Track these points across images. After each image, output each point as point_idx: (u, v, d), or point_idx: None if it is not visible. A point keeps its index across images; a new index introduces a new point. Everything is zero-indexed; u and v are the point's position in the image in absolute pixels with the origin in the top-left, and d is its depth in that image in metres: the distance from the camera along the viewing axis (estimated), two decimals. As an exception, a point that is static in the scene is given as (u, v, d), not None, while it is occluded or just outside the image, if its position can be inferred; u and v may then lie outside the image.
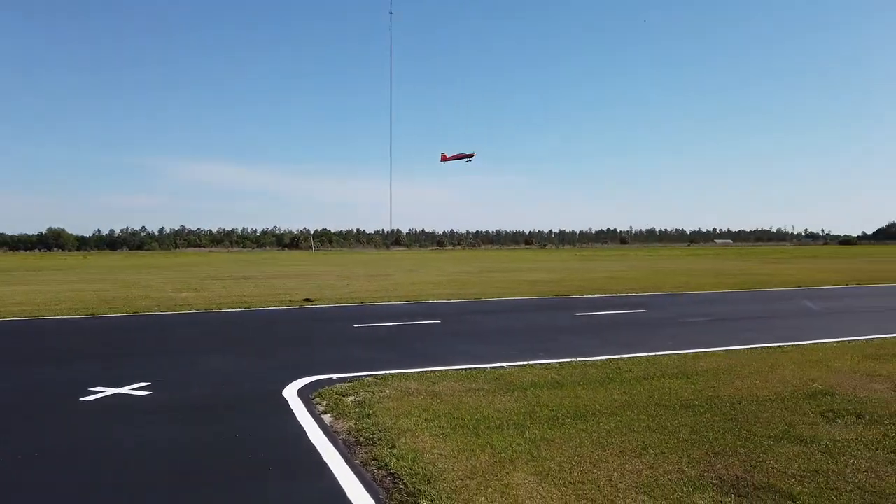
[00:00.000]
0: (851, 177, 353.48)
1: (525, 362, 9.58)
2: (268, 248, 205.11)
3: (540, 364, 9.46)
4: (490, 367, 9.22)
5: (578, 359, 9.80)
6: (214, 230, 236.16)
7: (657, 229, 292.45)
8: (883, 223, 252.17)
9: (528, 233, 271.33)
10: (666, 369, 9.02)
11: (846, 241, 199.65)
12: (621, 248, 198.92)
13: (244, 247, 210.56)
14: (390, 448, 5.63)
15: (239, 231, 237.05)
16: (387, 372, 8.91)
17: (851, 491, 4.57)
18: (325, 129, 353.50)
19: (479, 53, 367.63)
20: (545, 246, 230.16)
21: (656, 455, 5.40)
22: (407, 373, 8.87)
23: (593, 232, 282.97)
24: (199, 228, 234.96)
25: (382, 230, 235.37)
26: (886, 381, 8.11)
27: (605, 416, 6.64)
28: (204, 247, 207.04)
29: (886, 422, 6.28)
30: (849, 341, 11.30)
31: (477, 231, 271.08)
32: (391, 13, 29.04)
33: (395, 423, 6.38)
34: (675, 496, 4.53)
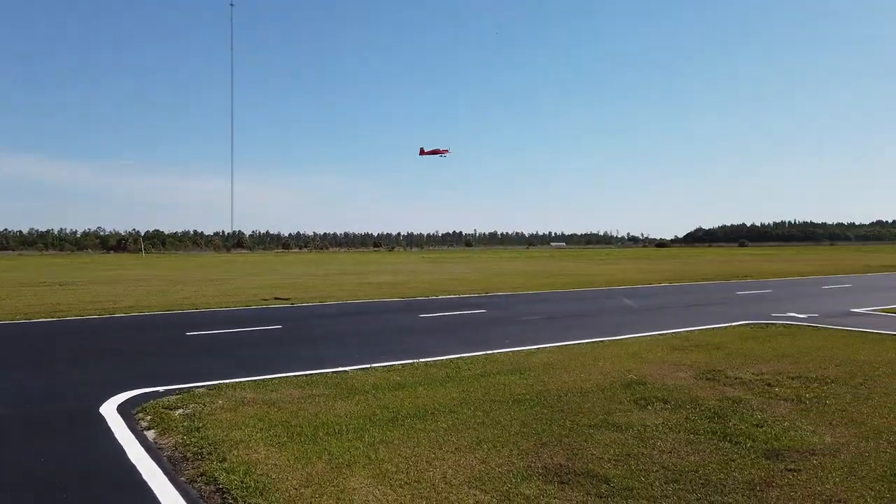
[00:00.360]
0: (667, 186, 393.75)
1: (368, 365, 9.55)
2: (91, 250, 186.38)
3: (383, 366, 9.49)
4: (332, 372, 9.09)
5: (421, 359, 9.96)
6: (25, 231, 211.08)
7: (499, 232, 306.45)
8: (691, 228, 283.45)
9: (376, 235, 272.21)
10: (502, 366, 9.43)
11: (661, 243, 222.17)
12: (466, 250, 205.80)
13: (62, 249, 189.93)
14: (220, 462, 5.34)
15: (55, 232, 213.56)
16: (221, 382, 8.45)
17: (657, 471, 5.06)
18: (164, 124, 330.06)
19: (328, 52, 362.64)
20: (393, 248, 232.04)
21: (489, 449, 5.62)
22: (243, 382, 8.48)
23: (440, 235, 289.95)
24: (5, 229, 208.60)
25: (223, 232, 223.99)
26: (689, 369, 9.09)
27: (443, 414, 6.80)
28: (12, 249, 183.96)
29: (688, 406, 7.03)
30: (660, 335, 12.53)
31: (325, 233, 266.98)
32: (232, 5, 27.86)
33: (226, 436, 6.06)
34: (504, 488, 4.74)
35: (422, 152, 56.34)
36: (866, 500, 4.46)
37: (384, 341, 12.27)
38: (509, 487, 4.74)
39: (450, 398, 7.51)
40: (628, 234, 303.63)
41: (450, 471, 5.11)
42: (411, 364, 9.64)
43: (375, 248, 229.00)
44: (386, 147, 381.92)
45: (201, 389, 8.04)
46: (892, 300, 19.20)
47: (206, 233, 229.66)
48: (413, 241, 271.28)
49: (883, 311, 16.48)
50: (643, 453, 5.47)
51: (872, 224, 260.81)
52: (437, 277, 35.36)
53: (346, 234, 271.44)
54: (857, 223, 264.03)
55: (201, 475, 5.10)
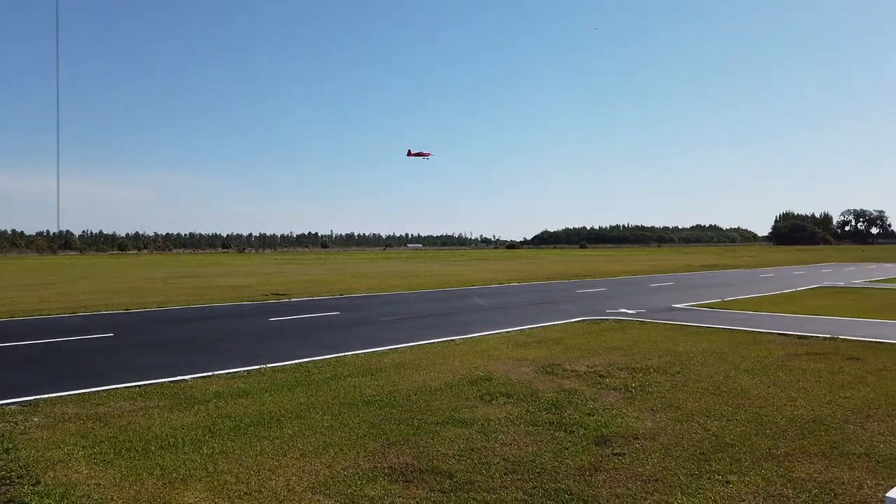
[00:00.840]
0: (517, 192, 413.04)
1: (210, 373, 9.06)
2: None
3: (227, 374, 9.05)
4: (169, 382, 8.51)
5: (268, 365, 9.61)
6: None
7: (356, 234, 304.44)
8: (538, 231, 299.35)
9: (225, 236, 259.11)
10: (353, 368, 9.36)
11: (511, 245, 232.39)
12: (322, 252, 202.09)
13: None
14: (33, 485, 4.81)
15: None
16: (37, 397, 7.61)
17: (498, 463, 5.27)
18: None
19: (169, 48, 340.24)
20: (244, 250, 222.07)
21: (335, 453, 5.55)
22: (64, 396, 7.69)
23: (295, 236, 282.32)
24: None
25: (48, 232, 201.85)
26: (532, 363, 9.58)
27: (290, 420, 6.61)
28: None
29: (529, 399, 7.40)
30: (507, 332, 13.09)
31: (168, 234, 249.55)
32: None
33: (42, 456, 5.47)
34: (349, 491, 4.70)
35: (409, 153, 61.33)
36: (678, 476, 4.94)
37: (230, 347, 11.71)
38: (354, 490, 4.71)
39: (297, 403, 7.32)
40: (481, 236, 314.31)
41: (294, 478, 4.98)
42: (258, 370, 9.28)
43: (225, 250, 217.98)
44: (238, 144, 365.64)
45: (13, 407, 7.20)
46: (707, 296, 21.52)
47: (28, 233, 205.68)
48: (266, 243, 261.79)
49: (699, 306, 18.41)
50: (486, 447, 5.68)
51: (693, 228, 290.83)
52: (290, 279, 34.40)
53: (192, 235, 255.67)
54: (679, 227, 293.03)
55: (9, 502, 4.55)
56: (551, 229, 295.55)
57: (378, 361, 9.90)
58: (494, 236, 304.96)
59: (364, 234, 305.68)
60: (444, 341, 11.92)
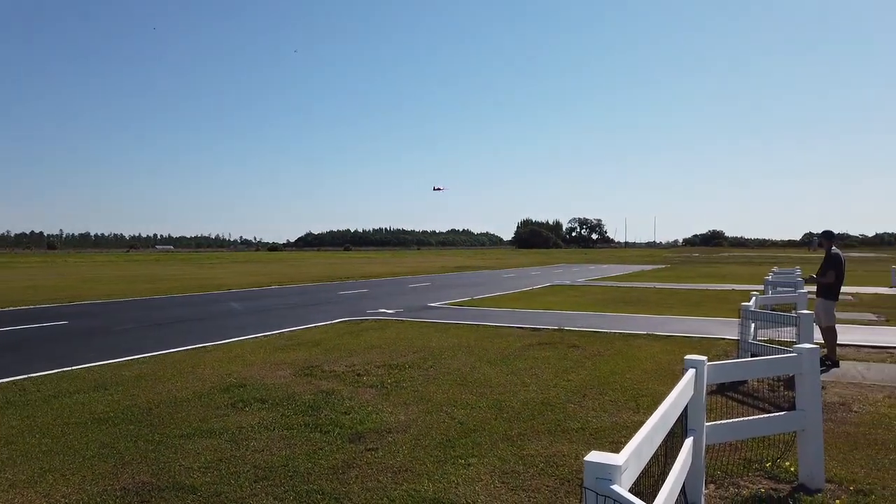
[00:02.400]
0: (280, 192, 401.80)
1: None
2: None
3: None
4: None
5: (-31, 386, 8.08)
6: None
7: (93, 234, 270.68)
8: (302, 233, 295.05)
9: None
10: (83, 383, 8.28)
11: (274, 247, 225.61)
12: (49, 253, 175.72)
13: None
14: None
15: None
16: None
17: (248, 471, 5.05)
18: None
19: None
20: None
21: (55, 480, 4.85)
22: None
23: (13, 235, 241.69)
24: None
25: None
26: (290, 367, 9.37)
27: (-4, 448, 5.62)
28: None
29: (285, 403, 7.22)
30: (265, 336, 12.66)
31: None
32: None
33: None
34: (71, 521, 4.14)
35: (434, 189, 59.04)
36: (426, 464, 5.20)
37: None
38: (77, 519, 4.16)
39: (7, 427, 6.26)
40: (241, 237, 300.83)
41: (-2, 515, 4.24)
42: (-45, 392, 7.75)
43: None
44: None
45: None
46: (459, 295, 23.10)
47: None
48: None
49: (451, 304, 19.67)
50: (236, 456, 5.41)
51: (448, 232, 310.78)
52: (2, 286, 29.39)
53: None
54: (437, 231, 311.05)
55: None
56: (315, 231, 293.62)
57: (114, 374, 8.89)
58: (256, 238, 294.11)
59: (103, 234, 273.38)
60: (194, 349, 11.12)
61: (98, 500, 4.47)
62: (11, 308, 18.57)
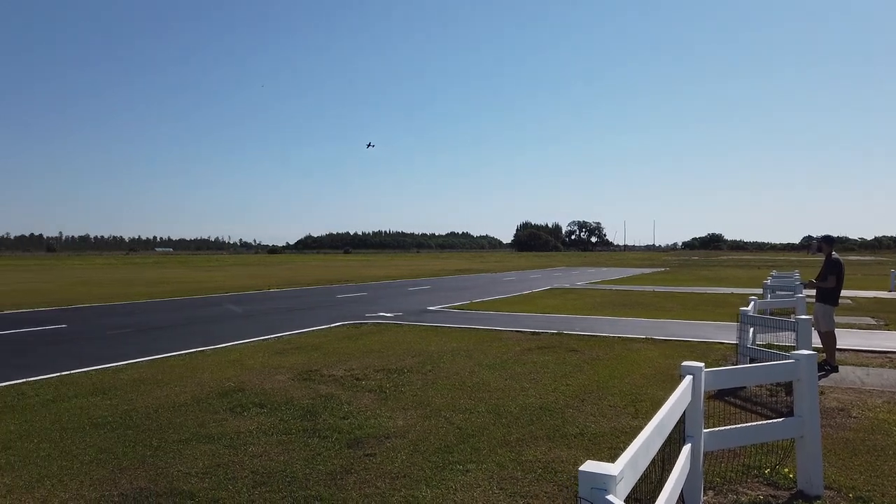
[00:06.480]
0: (278, 194, 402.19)
1: None
2: None
3: None
4: None
5: (-33, 390, 8.07)
6: None
7: (93, 236, 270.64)
8: (302, 235, 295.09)
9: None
10: (81, 388, 8.27)
11: (273, 250, 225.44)
12: (49, 256, 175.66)
13: None
14: None
15: None
16: None
17: (246, 476, 5.04)
18: None
19: None
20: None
21: (53, 485, 4.84)
22: None
23: (12, 238, 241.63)
24: None
25: None
26: (288, 371, 9.37)
27: (-7, 453, 5.62)
28: None
29: (283, 408, 7.22)
30: (263, 340, 12.65)
31: None
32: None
33: None
34: (68, 528, 4.13)
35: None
36: (424, 470, 5.20)
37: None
38: (74, 526, 4.15)
39: (5, 432, 6.25)
40: (240, 240, 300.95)
41: (-5, 521, 4.23)
42: (-47, 397, 7.74)
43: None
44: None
45: None
46: (458, 298, 23.09)
47: None
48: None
49: (451, 307, 19.67)
50: (233, 461, 5.40)
51: (448, 234, 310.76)
52: (5, 288, 29.37)
53: None
54: (436, 234, 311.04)
55: None
56: (315, 234, 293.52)
57: (113, 379, 8.88)
58: (255, 241, 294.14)
59: (102, 236, 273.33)
60: (192, 353, 11.11)
61: (95, 506, 4.47)
62: (10, 311, 18.55)
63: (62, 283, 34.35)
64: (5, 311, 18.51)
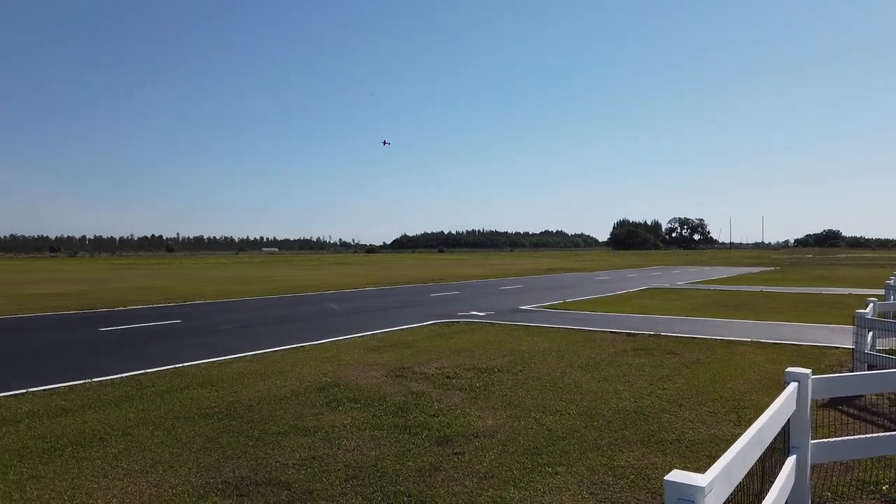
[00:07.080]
0: (376, 195, 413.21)
1: (24, 390, 8.15)
2: None
3: (43, 390, 8.18)
4: (-29, 402, 7.53)
5: (95, 379, 8.83)
6: None
7: (206, 237, 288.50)
8: (398, 235, 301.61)
9: (53, 238, 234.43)
10: (192, 380, 8.84)
11: (370, 249, 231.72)
12: (167, 256, 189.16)
13: None
14: None
15: None
16: None
17: (339, 470, 5.20)
18: None
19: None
20: (76, 254, 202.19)
21: (164, 471, 5.20)
22: None
23: (136, 239, 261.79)
24: None
25: None
26: (382, 368, 9.59)
27: (115, 438, 6.10)
28: None
29: (376, 404, 7.40)
30: (359, 337, 13.02)
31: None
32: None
33: None
34: (177, 510, 4.42)
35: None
36: (512, 471, 5.17)
37: (47, 360, 10.60)
38: (182, 509, 4.44)
39: (125, 420, 6.78)
40: (340, 240, 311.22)
41: (114, 500, 4.59)
42: (83, 385, 8.49)
43: (53, 254, 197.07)
44: (62, 140, 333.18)
45: None
46: (551, 298, 22.80)
47: None
48: (102, 246, 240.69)
49: (543, 307, 19.45)
50: (328, 454, 5.59)
51: (542, 233, 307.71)
52: (127, 285, 31.88)
53: (14, 237, 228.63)
54: (530, 232, 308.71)
55: None
56: (410, 234, 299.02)
57: (220, 371, 9.43)
58: (354, 240, 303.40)
59: (214, 237, 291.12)
60: (292, 348, 11.61)
61: (202, 492, 4.75)
62: (133, 307, 20.10)
63: (177, 280, 36.82)
64: (130, 307, 20.07)
